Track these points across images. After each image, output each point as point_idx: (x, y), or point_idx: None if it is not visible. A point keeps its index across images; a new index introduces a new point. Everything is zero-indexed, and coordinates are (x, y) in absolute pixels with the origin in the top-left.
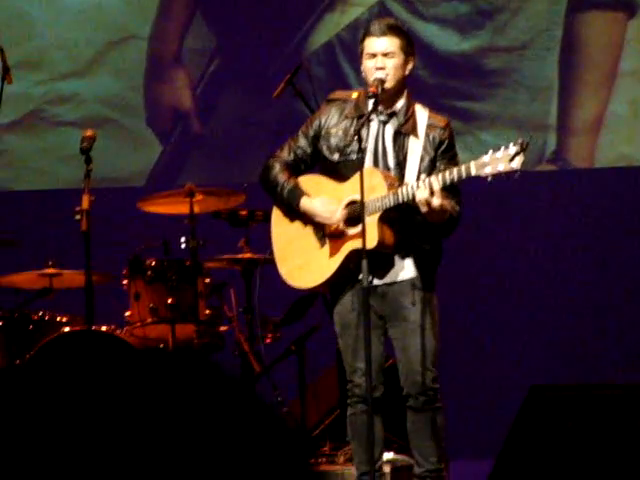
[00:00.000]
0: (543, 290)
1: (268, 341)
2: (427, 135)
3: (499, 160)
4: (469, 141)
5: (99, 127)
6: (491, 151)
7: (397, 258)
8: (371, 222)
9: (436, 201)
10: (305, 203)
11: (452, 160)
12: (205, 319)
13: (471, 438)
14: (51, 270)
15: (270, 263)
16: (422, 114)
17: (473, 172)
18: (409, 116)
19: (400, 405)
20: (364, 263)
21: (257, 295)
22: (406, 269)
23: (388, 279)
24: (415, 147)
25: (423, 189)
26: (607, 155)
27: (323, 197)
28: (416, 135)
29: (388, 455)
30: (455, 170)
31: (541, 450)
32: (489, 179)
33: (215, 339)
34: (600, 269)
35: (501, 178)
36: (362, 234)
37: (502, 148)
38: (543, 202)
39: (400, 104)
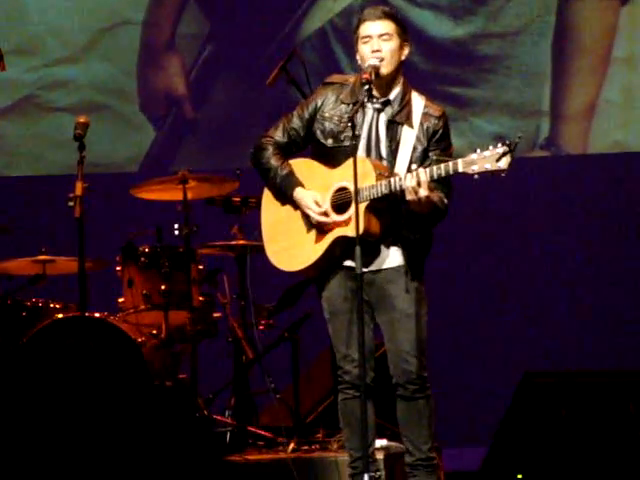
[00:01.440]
0: (536, 276)
1: (261, 328)
2: (421, 124)
3: (486, 159)
4: (462, 127)
5: (92, 113)
6: (479, 150)
7: (383, 246)
8: (360, 210)
9: (422, 192)
10: (297, 193)
11: (445, 150)
12: (198, 306)
13: (465, 425)
14: (44, 257)
15: (262, 251)
16: (418, 102)
17: (460, 169)
18: (404, 104)
19: (393, 392)
20: (357, 250)
21: (249, 281)
22: (393, 257)
23: (374, 266)
24: (408, 136)
25: (410, 179)
26: (600, 141)
27: (316, 191)
28: (410, 124)
29: (381, 442)
30: (443, 166)
31: (535, 435)
32: (475, 177)
33: (209, 326)
34: (594, 254)
35: (487, 176)
36: (355, 221)
37: (490, 147)
38: (536, 188)
39: (395, 92)
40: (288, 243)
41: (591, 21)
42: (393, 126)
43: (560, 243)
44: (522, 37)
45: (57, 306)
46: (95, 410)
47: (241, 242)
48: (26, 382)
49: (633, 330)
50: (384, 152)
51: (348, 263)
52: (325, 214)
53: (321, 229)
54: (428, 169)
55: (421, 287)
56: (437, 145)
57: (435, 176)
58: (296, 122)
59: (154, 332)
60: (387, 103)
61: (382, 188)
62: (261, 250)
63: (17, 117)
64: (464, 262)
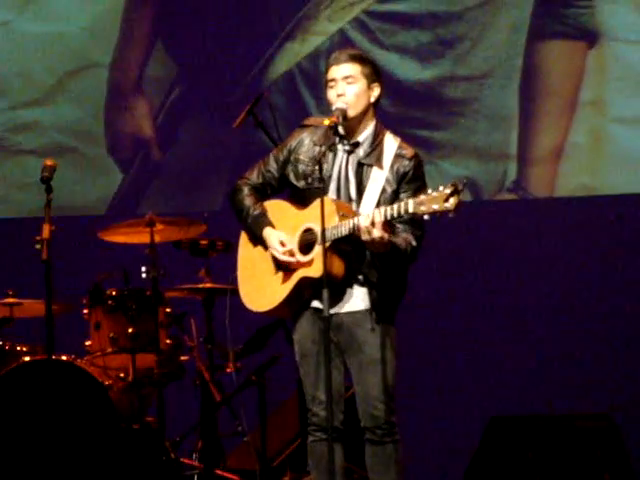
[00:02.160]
0: (503, 319)
1: (229, 371)
2: (392, 167)
3: (435, 199)
4: (430, 170)
5: (59, 155)
6: (430, 190)
7: (349, 289)
8: (322, 251)
9: (376, 233)
10: (265, 232)
11: (417, 192)
12: (166, 349)
13: (432, 470)
14: (11, 299)
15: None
16: (391, 144)
17: (410, 209)
18: (375, 146)
19: (361, 435)
20: (324, 292)
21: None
22: (359, 300)
23: (340, 309)
24: (378, 178)
25: (365, 219)
26: (567, 184)
27: (282, 234)
28: (380, 166)
29: None
30: (395, 206)
31: (502, 478)
32: (425, 217)
33: (176, 369)
34: (560, 297)
35: (436, 217)
36: (323, 261)
37: (439, 188)
38: (503, 231)
39: (365, 134)
40: (258, 284)
41: (558, 64)
42: (362, 168)
43: (526, 285)
44: (489, 80)
45: (24, 349)
46: (62, 453)
47: (208, 285)
48: None
49: (599, 375)
50: (353, 194)
51: (315, 304)
52: (290, 254)
53: (287, 270)
54: (383, 208)
55: (390, 331)
56: (408, 187)
57: (388, 216)
58: (272, 164)
59: (121, 375)
60: (356, 145)
61: (343, 229)
62: (225, 294)
63: None
64: (430, 305)
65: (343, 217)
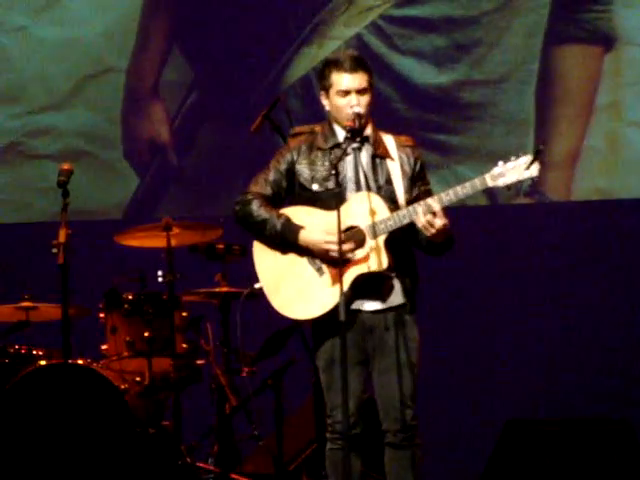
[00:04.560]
0: (520, 323)
1: (245, 375)
2: (400, 157)
3: (515, 169)
4: (446, 174)
5: (76, 160)
6: (501, 162)
7: (390, 283)
8: (377, 244)
9: (438, 221)
10: (306, 236)
11: (425, 179)
12: (182, 353)
13: (448, 474)
14: (28, 303)
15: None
16: (388, 138)
17: (489, 184)
18: (379, 140)
19: (377, 439)
20: (342, 298)
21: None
22: (396, 295)
23: (380, 305)
24: (394, 168)
25: (424, 207)
26: (584, 188)
27: (322, 227)
28: (391, 157)
29: None
30: (468, 184)
31: None
32: (505, 189)
33: (192, 373)
34: (577, 301)
35: (515, 186)
36: (340, 274)
37: (513, 158)
38: (520, 235)
39: (368, 131)
40: (297, 291)
41: (575, 68)
42: (377, 161)
43: (544, 289)
44: (506, 84)
45: (40, 353)
46: (78, 457)
47: (224, 289)
48: (9, 429)
49: (616, 379)
50: (374, 188)
51: (355, 306)
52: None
53: (335, 270)
54: (451, 190)
55: (418, 335)
56: (420, 173)
57: (462, 195)
58: (275, 175)
59: (137, 379)
60: (365, 140)
61: (402, 219)
62: (241, 297)
63: (1, 164)
64: (446, 311)
65: (390, 209)
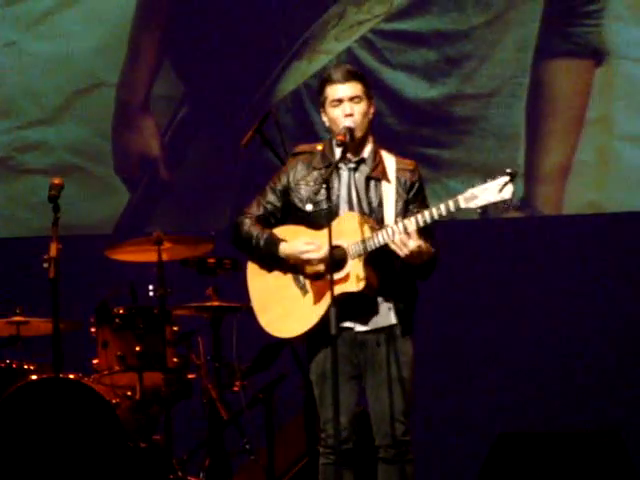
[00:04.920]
0: (510, 336)
1: (236, 389)
2: (398, 179)
3: (488, 191)
4: (437, 189)
5: (67, 175)
6: (478, 184)
7: (377, 304)
8: (357, 264)
9: (412, 243)
10: (285, 247)
11: (423, 202)
12: (173, 367)
13: None
14: (18, 318)
15: (235, 312)
16: (389, 160)
17: (462, 205)
18: (378, 162)
19: (369, 452)
20: (332, 311)
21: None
22: (385, 316)
23: (369, 326)
24: (388, 191)
25: (398, 232)
26: (575, 202)
27: (302, 237)
28: (387, 180)
29: None
30: (442, 205)
31: None
32: (479, 211)
33: (183, 387)
34: (568, 315)
35: (489, 209)
36: (330, 284)
37: (489, 180)
38: (511, 249)
39: (368, 150)
40: (282, 310)
41: (565, 82)
42: (371, 183)
43: (535, 304)
44: (496, 98)
45: (31, 367)
46: (70, 472)
47: (215, 303)
48: (0, 444)
49: (608, 392)
50: (366, 209)
51: (345, 324)
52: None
53: (317, 289)
54: (427, 211)
55: (410, 348)
56: (416, 198)
57: (436, 217)
58: (270, 196)
59: (129, 393)
60: (361, 162)
61: (380, 239)
62: (235, 311)
63: None
64: (437, 324)
65: (372, 229)
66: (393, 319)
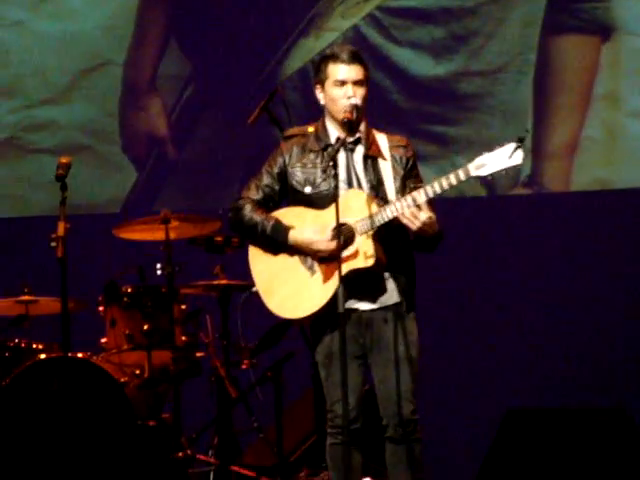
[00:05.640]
0: (519, 313)
1: (244, 367)
2: (393, 156)
3: (498, 158)
4: (444, 165)
5: (74, 154)
6: (485, 152)
7: (383, 282)
8: (365, 241)
9: (423, 215)
10: (295, 237)
11: (418, 177)
12: (181, 345)
13: (449, 466)
14: (27, 297)
15: (243, 290)
16: (381, 138)
17: (472, 173)
18: (372, 140)
19: (376, 430)
20: (340, 289)
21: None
22: (391, 294)
23: (375, 304)
24: (386, 168)
25: (407, 205)
26: (582, 178)
27: (310, 227)
28: (383, 157)
29: None
30: (452, 175)
31: (518, 472)
32: (489, 178)
33: (192, 365)
34: (576, 291)
35: (500, 175)
36: (338, 269)
37: (497, 147)
38: (518, 226)
39: (362, 129)
40: (291, 291)
41: (572, 58)
42: (370, 161)
43: (542, 280)
44: (503, 75)
45: (40, 346)
46: (78, 451)
47: (223, 282)
48: (9, 423)
49: (616, 369)
50: (365, 188)
51: (350, 305)
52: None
53: (326, 268)
54: (436, 182)
55: (415, 327)
56: (411, 172)
57: (445, 187)
58: (267, 179)
59: (137, 372)
60: (358, 141)
61: (388, 213)
62: (242, 289)
63: None
64: (444, 299)
65: (378, 205)
66: (397, 297)
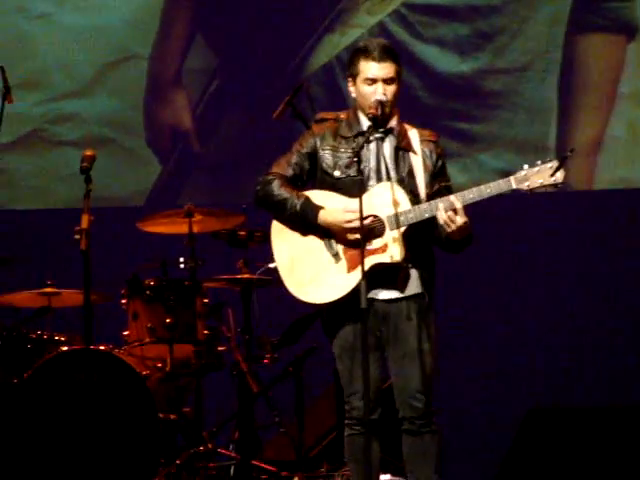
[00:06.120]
0: (541, 311)
1: (266, 362)
2: (423, 151)
3: (539, 174)
4: (468, 163)
5: (99, 147)
6: (526, 166)
7: (406, 271)
8: (397, 236)
9: (459, 219)
10: (326, 215)
11: (446, 176)
12: (203, 339)
13: (469, 461)
14: (50, 289)
15: (266, 285)
16: (412, 132)
17: (514, 186)
18: (404, 133)
19: (397, 426)
20: (363, 284)
21: (257, 316)
22: (412, 284)
23: (396, 294)
24: (416, 162)
25: (444, 208)
26: (606, 177)
27: (339, 206)
28: (414, 151)
29: (385, 477)
30: (492, 185)
31: (538, 471)
32: (528, 193)
33: (213, 359)
34: (598, 290)
35: (539, 190)
36: (361, 257)
37: (539, 162)
38: (542, 224)
39: (393, 123)
40: (313, 274)
41: (598, 57)
42: (399, 153)
43: (565, 278)
44: (528, 73)
45: (62, 339)
46: (100, 443)
47: (246, 276)
48: (31, 415)
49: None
50: (394, 179)
51: (369, 294)
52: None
53: (351, 257)
54: (476, 189)
55: (433, 320)
56: (441, 170)
57: (485, 195)
58: (297, 158)
59: (159, 365)
60: (389, 132)
61: (423, 212)
62: (266, 284)
63: (23, 151)
64: (467, 298)
65: (411, 202)
66: (419, 288)
